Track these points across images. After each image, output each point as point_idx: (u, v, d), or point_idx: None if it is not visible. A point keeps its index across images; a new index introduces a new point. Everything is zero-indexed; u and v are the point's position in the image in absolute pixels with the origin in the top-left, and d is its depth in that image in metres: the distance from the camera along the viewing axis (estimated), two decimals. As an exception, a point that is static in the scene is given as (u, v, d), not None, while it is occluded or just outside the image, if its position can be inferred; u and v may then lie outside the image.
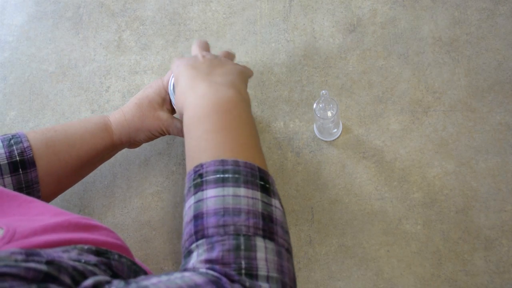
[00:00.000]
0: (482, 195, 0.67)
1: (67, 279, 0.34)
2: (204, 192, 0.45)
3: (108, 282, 0.35)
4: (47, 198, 0.64)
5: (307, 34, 0.81)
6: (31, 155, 0.59)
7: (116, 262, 0.42)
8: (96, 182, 0.76)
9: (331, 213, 0.69)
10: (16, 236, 0.39)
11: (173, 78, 0.67)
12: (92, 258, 0.40)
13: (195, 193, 0.46)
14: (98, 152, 0.65)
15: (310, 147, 0.73)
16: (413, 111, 0.73)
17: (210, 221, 0.43)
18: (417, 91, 0.74)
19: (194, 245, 0.43)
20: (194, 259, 0.43)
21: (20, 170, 0.58)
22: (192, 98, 0.54)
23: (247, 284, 0.40)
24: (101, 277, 0.36)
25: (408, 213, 0.68)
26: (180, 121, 0.65)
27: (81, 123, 0.66)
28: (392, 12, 0.80)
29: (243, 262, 0.41)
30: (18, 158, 0.58)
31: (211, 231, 0.43)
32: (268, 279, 0.41)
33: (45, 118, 0.81)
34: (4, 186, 0.57)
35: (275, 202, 0.46)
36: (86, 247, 0.41)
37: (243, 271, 0.41)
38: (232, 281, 0.40)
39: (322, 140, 0.73)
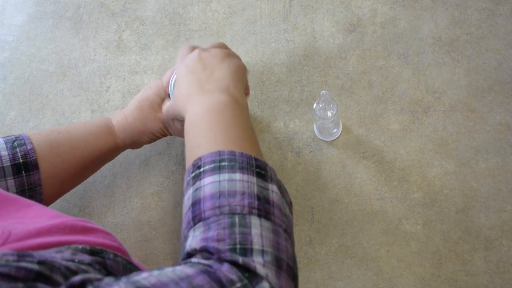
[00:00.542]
0: (482, 195, 0.67)
1: (59, 279, 0.34)
2: (202, 180, 0.46)
3: (98, 280, 0.35)
4: (50, 200, 0.64)
5: (307, 34, 0.81)
6: (34, 157, 0.59)
7: (111, 261, 0.42)
8: (96, 182, 0.76)
9: (331, 213, 0.69)
10: (10, 238, 0.39)
11: (173, 79, 0.67)
12: (86, 258, 0.40)
13: (194, 183, 0.46)
14: (101, 154, 0.66)
15: (310, 147, 0.73)
16: (413, 111, 0.73)
17: (207, 205, 0.44)
18: (417, 91, 0.74)
19: (191, 230, 0.44)
20: (191, 240, 0.43)
21: (23, 172, 0.58)
22: (189, 108, 0.56)
23: (240, 261, 0.40)
24: (92, 275, 0.36)
25: (408, 213, 0.68)
26: (180, 121, 0.66)
27: (84, 125, 0.66)
28: (392, 12, 0.80)
29: (237, 238, 0.41)
30: (21, 160, 0.58)
31: (207, 213, 0.43)
32: (263, 253, 0.41)
33: (45, 118, 0.81)
34: (7, 188, 0.57)
35: (272, 187, 0.46)
36: (80, 246, 0.41)
37: (237, 246, 0.41)
38: (224, 260, 0.40)
39: (322, 140, 0.73)
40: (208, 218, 0.43)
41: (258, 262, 0.40)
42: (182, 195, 0.73)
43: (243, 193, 0.44)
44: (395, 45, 0.77)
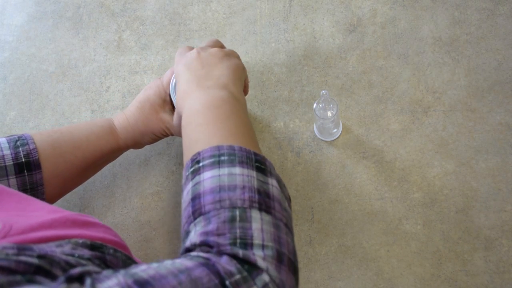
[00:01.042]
0: (482, 195, 0.67)
1: (59, 273, 0.34)
2: (201, 175, 0.45)
3: (97, 272, 0.35)
4: (51, 200, 0.64)
5: (307, 34, 0.81)
6: (37, 157, 0.59)
7: (111, 256, 0.42)
8: (96, 182, 0.76)
9: (331, 213, 0.69)
10: (12, 232, 0.39)
11: (174, 80, 0.67)
12: (86, 253, 0.40)
13: (193, 178, 0.46)
14: (103, 154, 0.66)
15: (310, 147, 0.73)
16: (413, 111, 0.73)
17: (207, 199, 0.44)
18: (417, 91, 0.74)
19: (192, 225, 0.44)
20: (191, 235, 0.43)
21: (25, 171, 0.58)
22: (186, 102, 0.56)
23: (240, 254, 0.39)
24: (91, 267, 0.36)
25: (408, 213, 0.68)
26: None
27: (86, 125, 0.66)
28: (392, 12, 0.80)
29: (238, 232, 0.41)
30: (23, 160, 0.58)
31: (207, 207, 0.43)
32: (263, 247, 0.41)
33: (45, 118, 0.81)
34: (9, 187, 0.58)
35: (271, 181, 0.46)
36: (80, 241, 0.41)
37: (238, 240, 0.40)
38: (224, 253, 0.40)
39: (322, 140, 0.73)
40: (209, 212, 0.43)
41: (258, 256, 0.40)
42: (182, 195, 0.73)
43: (244, 187, 0.44)
44: (395, 45, 0.77)
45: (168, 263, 0.38)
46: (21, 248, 0.34)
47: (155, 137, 0.69)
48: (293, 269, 0.42)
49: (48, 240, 0.40)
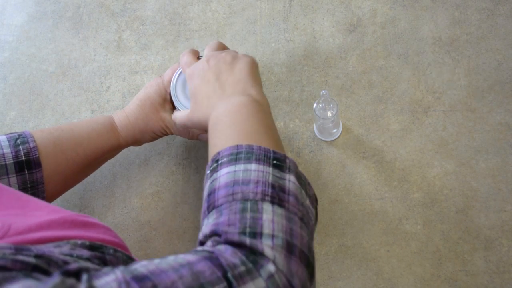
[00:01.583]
0: (482, 195, 0.67)
1: (56, 272, 0.34)
2: (218, 172, 0.46)
3: (96, 270, 0.35)
4: (52, 198, 0.64)
5: (307, 34, 0.81)
6: (37, 155, 0.59)
7: (111, 256, 0.42)
8: (96, 182, 0.76)
9: (331, 213, 0.69)
10: (10, 232, 0.39)
11: (175, 79, 0.67)
12: (85, 253, 0.40)
13: (211, 176, 0.47)
14: (104, 151, 0.66)
15: (310, 147, 0.73)
16: (413, 111, 0.73)
17: (220, 193, 0.44)
18: (417, 91, 0.74)
19: (206, 219, 0.44)
20: (204, 227, 0.43)
21: (26, 170, 0.58)
22: (210, 114, 0.56)
23: (248, 242, 0.39)
24: (89, 264, 0.36)
25: (408, 213, 0.68)
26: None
27: (87, 122, 0.67)
28: (392, 12, 0.80)
29: (248, 222, 0.41)
30: (24, 158, 0.58)
31: (220, 201, 0.43)
32: (273, 237, 0.40)
33: (45, 118, 0.81)
34: (9, 185, 0.58)
35: (289, 177, 0.46)
36: (79, 242, 0.41)
37: (247, 230, 0.40)
38: (231, 241, 0.40)
39: (322, 140, 0.73)
40: (221, 205, 0.43)
41: (266, 245, 0.39)
42: (182, 195, 0.73)
43: (257, 182, 0.44)
44: (395, 45, 0.77)
45: (170, 259, 0.38)
46: (19, 248, 0.34)
47: (155, 136, 0.70)
48: (306, 262, 0.41)
49: (46, 241, 0.40)
